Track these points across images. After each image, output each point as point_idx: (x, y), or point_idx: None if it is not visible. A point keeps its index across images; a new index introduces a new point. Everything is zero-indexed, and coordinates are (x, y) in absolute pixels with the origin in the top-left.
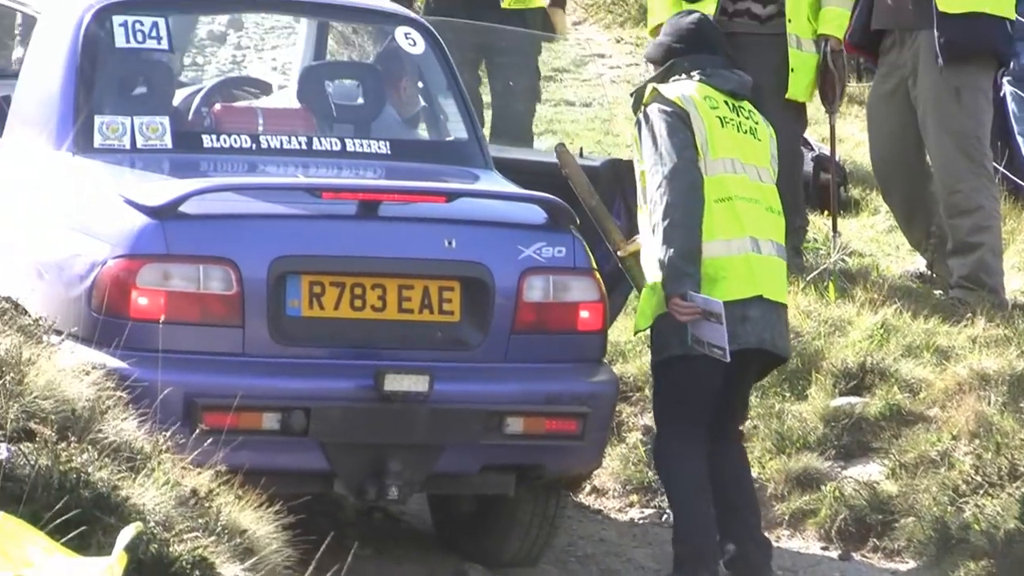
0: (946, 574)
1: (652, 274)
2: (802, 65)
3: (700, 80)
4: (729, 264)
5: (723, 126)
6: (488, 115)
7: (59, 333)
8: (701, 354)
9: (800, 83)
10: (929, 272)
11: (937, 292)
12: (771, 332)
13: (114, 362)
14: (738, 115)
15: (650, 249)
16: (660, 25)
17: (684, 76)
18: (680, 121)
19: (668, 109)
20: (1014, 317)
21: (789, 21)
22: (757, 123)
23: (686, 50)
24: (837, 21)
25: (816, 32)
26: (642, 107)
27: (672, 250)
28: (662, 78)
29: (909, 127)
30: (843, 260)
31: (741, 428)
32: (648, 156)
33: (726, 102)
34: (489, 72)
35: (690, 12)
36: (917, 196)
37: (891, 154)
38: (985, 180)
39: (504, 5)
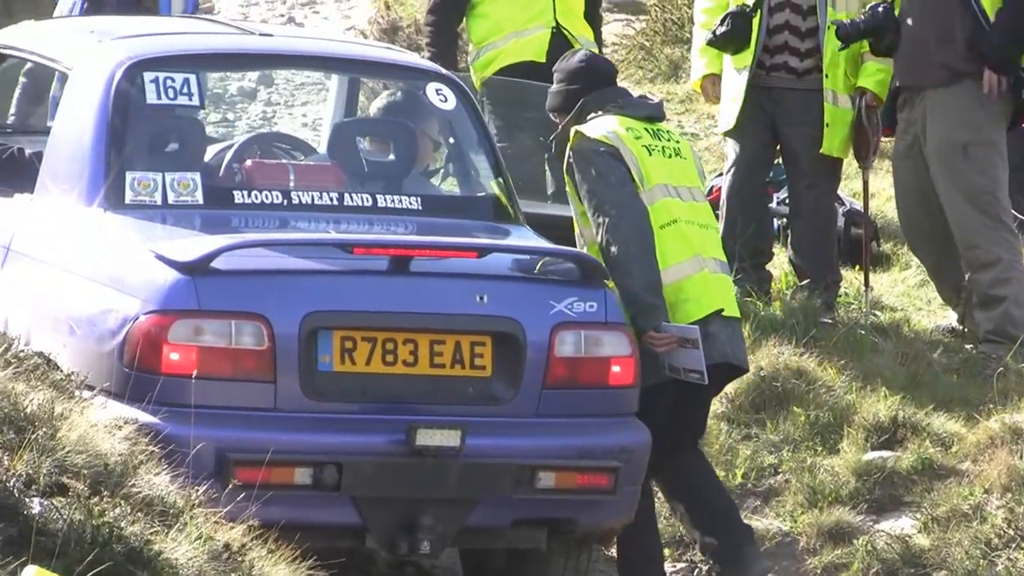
0: None
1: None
2: (837, 120)
3: (616, 113)
4: (688, 285)
5: (651, 154)
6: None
7: (91, 388)
8: (659, 379)
9: (835, 138)
10: (960, 327)
11: (968, 346)
12: (732, 346)
13: (146, 417)
14: (659, 139)
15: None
16: (707, 76)
17: (599, 112)
18: (612, 158)
19: (598, 148)
20: None
21: (826, 76)
22: (679, 142)
23: (586, 88)
24: (877, 76)
25: (853, 87)
26: (568, 152)
27: (636, 286)
28: (577, 120)
29: (928, 183)
30: (874, 315)
31: (700, 447)
32: (587, 198)
33: (646, 129)
34: (519, 127)
35: (575, 52)
36: (944, 251)
37: (915, 210)
38: (1004, 233)
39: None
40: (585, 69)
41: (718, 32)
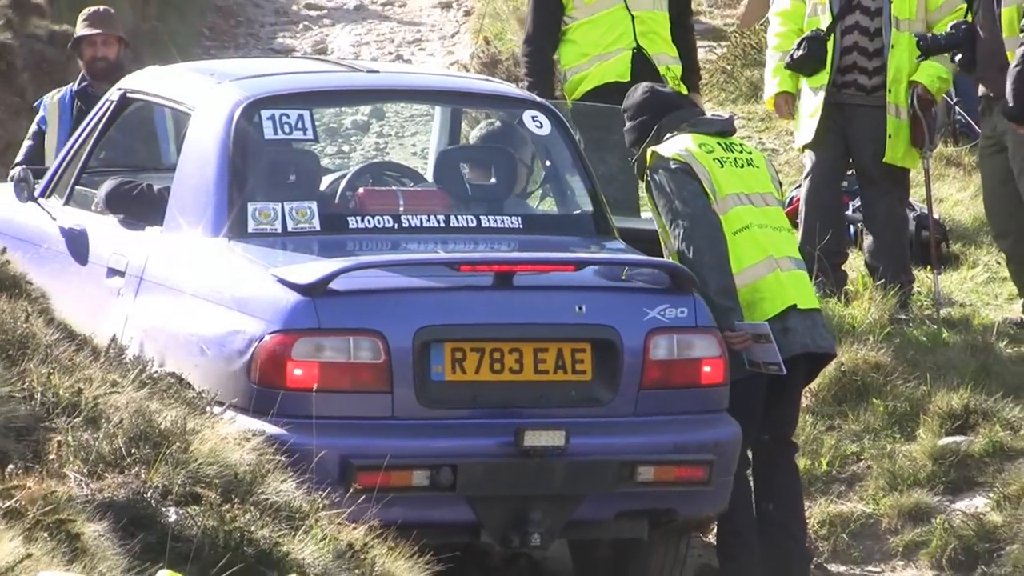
0: None
1: None
2: (899, 132)
3: (689, 132)
4: (762, 285)
5: (722, 166)
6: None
7: (220, 404)
8: (748, 374)
9: (897, 149)
10: None
11: None
12: (811, 336)
13: (272, 429)
14: (731, 152)
15: None
16: (779, 94)
17: (674, 133)
18: (685, 174)
19: (672, 166)
20: None
21: (889, 91)
22: (751, 153)
23: (655, 116)
24: (929, 71)
25: None
26: (647, 172)
27: (710, 290)
28: (655, 142)
29: (1011, 180)
30: (946, 308)
31: (793, 440)
32: (665, 213)
33: (718, 143)
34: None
35: (636, 88)
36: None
37: (998, 206)
38: None
39: None
40: (649, 100)
41: (795, 56)
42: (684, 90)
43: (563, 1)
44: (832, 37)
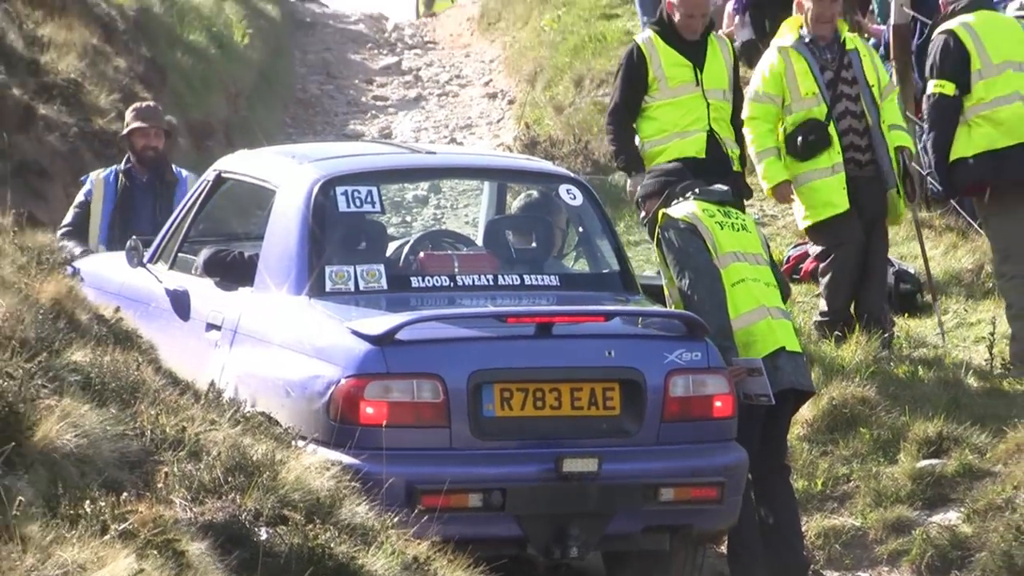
0: None
1: None
2: (896, 196)
3: (695, 199)
4: (755, 330)
5: (722, 228)
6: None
7: (304, 438)
8: (747, 406)
9: (898, 210)
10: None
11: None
12: (797, 374)
13: (348, 459)
14: (729, 217)
15: None
16: (781, 183)
17: (680, 199)
18: (691, 233)
19: (680, 226)
20: None
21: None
22: (744, 220)
23: (671, 182)
24: (904, 135)
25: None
26: (657, 229)
27: (711, 332)
28: (664, 205)
29: None
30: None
31: (787, 463)
32: (673, 265)
33: (718, 210)
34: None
35: (669, 161)
36: None
37: None
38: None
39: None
40: (671, 170)
41: (800, 144)
42: (739, 168)
43: (649, 82)
44: (831, 123)
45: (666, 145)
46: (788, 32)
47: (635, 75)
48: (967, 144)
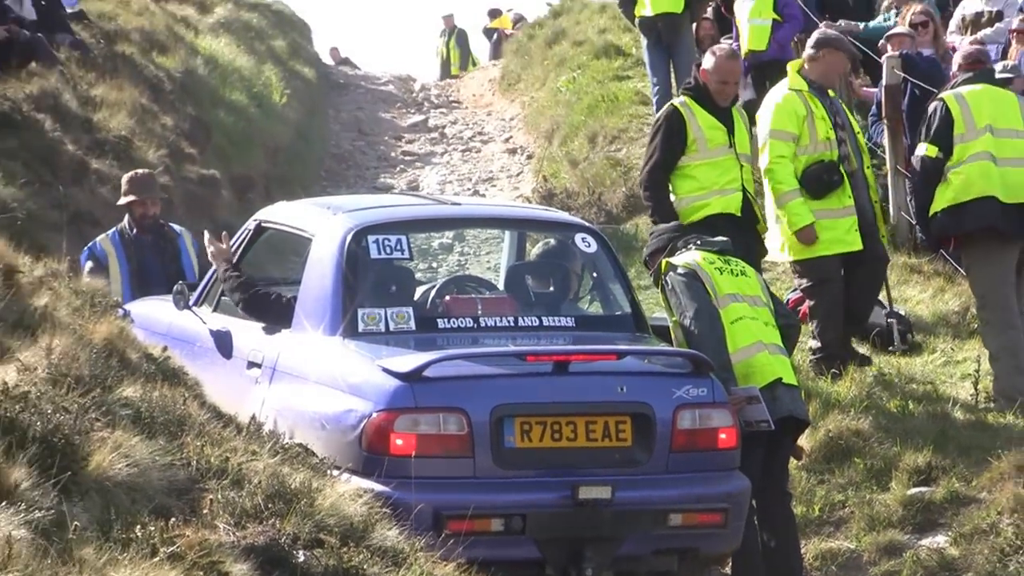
0: None
1: None
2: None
3: (696, 249)
4: (754, 362)
5: (722, 274)
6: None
7: (338, 468)
8: (748, 435)
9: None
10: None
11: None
12: (794, 404)
13: (380, 487)
14: (728, 264)
15: None
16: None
17: (684, 249)
18: (692, 279)
19: (682, 272)
20: None
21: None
22: (743, 266)
23: (675, 237)
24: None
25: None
26: (662, 277)
27: (712, 366)
28: (669, 254)
29: None
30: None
31: (788, 490)
32: (676, 308)
33: (718, 257)
34: None
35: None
36: None
37: None
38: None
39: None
40: (672, 228)
41: (822, 184)
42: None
43: (688, 143)
44: (841, 165)
45: (707, 201)
46: (796, 76)
47: (675, 136)
48: (940, 200)
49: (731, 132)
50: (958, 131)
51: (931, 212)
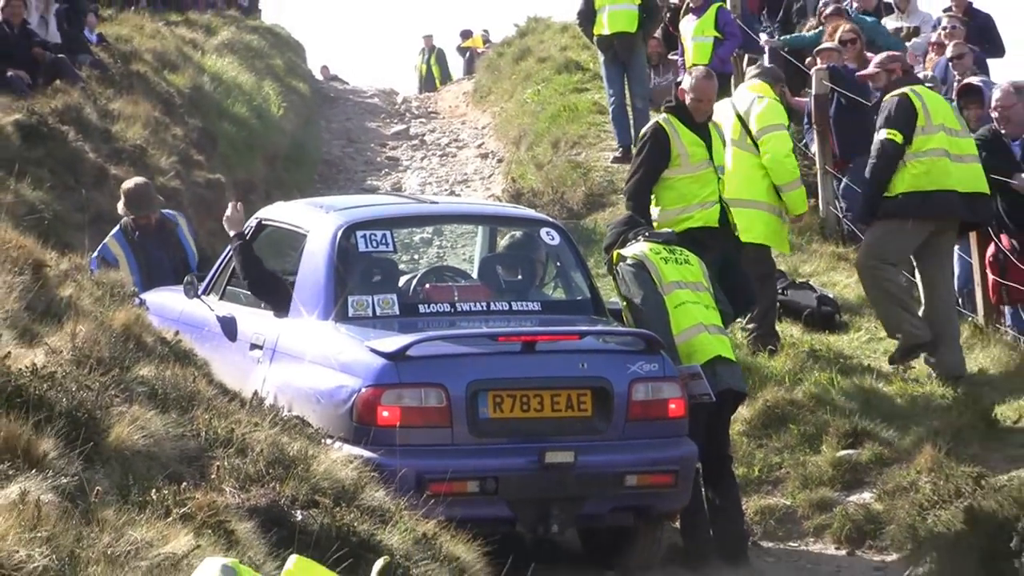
0: (918, 562)
1: None
2: None
3: (644, 240)
4: (695, 342)
5: (667, 263)
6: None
7: (331, 437)
8: (693, 406)
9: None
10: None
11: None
12: (732, 379)
13: (368, 454)
14: (673, 254)
15: None
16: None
17: (633, 241)
18: (640, 268)
19: (631, 263)
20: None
21: None
22: (687, 257)
23: (626, 230)
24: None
25: None
26: (614, 267)
27: None
28: (620, 246)
29: None
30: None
31: (729, 453)
32: (625, 293)
33: (664, 248)
34: None
35: (625, 216)
36: None
37: None
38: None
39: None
40: (623, 221)
41: None
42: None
43: (672, 157)
44: None
45: (690, 214)
46: (766, 86)
47: (661, 151)
48: (900, 182)
49: (709, 147)
50: (920, 123)
51: (892, 193)
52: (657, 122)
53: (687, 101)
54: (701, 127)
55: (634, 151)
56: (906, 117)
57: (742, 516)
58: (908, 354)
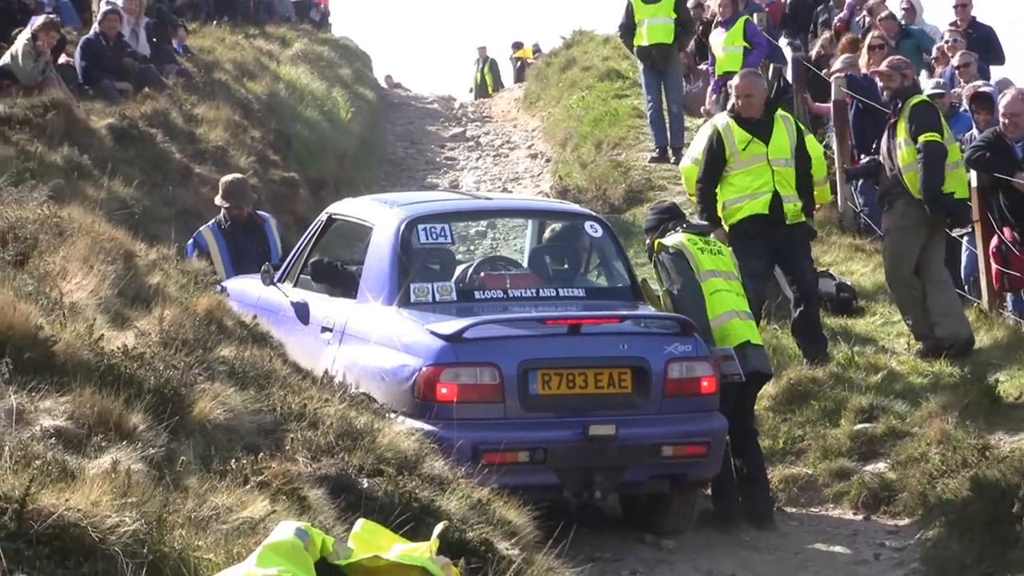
0: (928, 526)
1: None
2: None
3: (682, 231)
4: (728, 327)
5: (703, 253)
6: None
7: (395, 412)
8: (724, 384)
9: None
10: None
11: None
12: (759, 362)
13: (428, 427)
14: (708, 245)
15: None
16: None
17: (672, 231)
18: (679, 257)
19: (671, 252)
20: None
21: None
22: (720, 248)
23: (666, 219)
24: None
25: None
26: (655, 254)
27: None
28: (660, 235)
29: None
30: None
31: (755, 427)
32: (666, 281)
33: (699, 239)
34: None
35: (661, 202)
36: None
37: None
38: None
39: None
40: (666, 208)
41: None
42: (803, 218)
43: (727, 157)
44: None
45: (741, 204)
46: None
47: (716, 153)
48: (955, 188)
49: (766, 142)
50: (946, 134)
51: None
52: (715, 127)
53: (734, 101)
54: (758, 124)
55: (669, 153)
56: (937, 119)
57: (768, 483)
58: (964, 351)
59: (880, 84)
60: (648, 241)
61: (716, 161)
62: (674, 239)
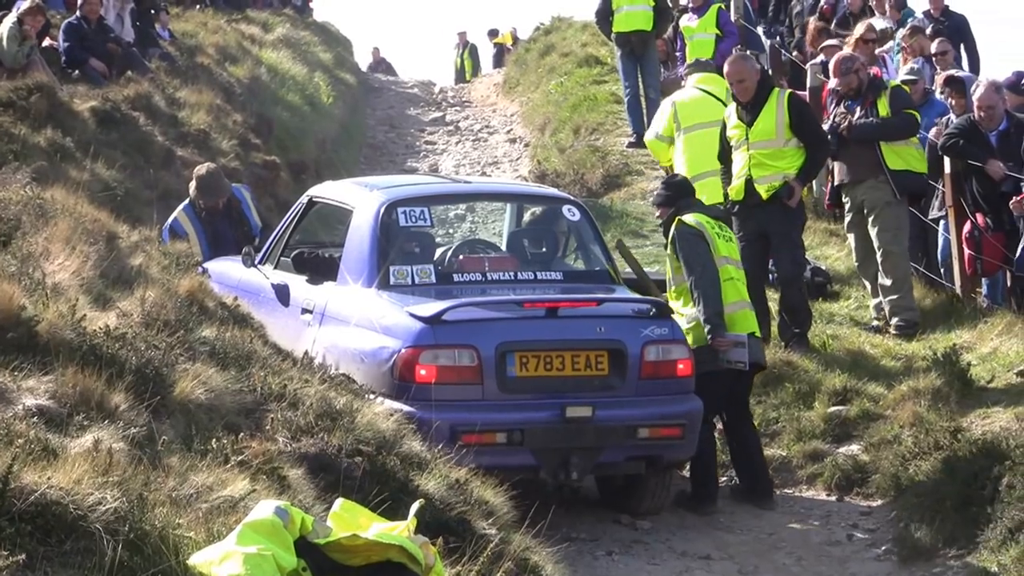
0: (900, 507)
1: (688, 324)
2: None
3: (697, 211)
4: (738, 316)
5: (718, 238)
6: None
7: (374, 393)
8: (722, 368)
9: None
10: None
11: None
12: (758, 354)
13: (407, 408)
14: (720, 230)
15: (687, 312)
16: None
17: (690, 210)
18: (699, 237)
19: (691, 230)
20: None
21: None
22: (730, 235)
23: (681, 195)
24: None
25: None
26: (672, 230)
27: (710, 313)
28: (678, 211)
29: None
30: (832, 325)
31: (749, 412)
32: (684, 260)
33: (714, 222)
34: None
35: (674, 175)
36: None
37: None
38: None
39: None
40: (680, 183)
41: None
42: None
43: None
44: None
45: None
46: None
47: (722, 135)
48: (917, 163)
49: (749, 126)
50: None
51: (916, 170)
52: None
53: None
54: (748, 107)
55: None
56: (913, 104)
57: (764, 462)
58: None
59: (841, 90)
60: (659, 214)
61: (723, 142)
62: (695, 218)
